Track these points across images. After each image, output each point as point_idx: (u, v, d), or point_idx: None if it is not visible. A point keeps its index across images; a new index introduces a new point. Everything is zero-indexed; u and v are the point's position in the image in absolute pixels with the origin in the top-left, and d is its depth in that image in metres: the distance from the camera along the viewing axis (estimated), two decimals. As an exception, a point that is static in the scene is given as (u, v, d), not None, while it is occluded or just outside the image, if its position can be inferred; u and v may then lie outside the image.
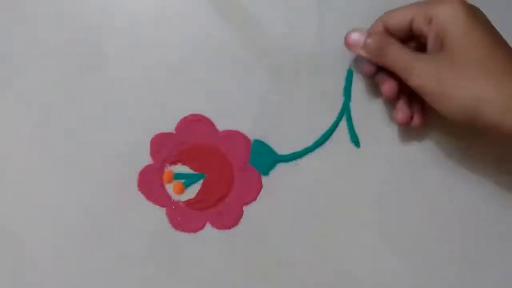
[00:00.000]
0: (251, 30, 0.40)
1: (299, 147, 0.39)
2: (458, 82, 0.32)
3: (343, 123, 0.39)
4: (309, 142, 0.39)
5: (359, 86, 0.39)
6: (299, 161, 0.39)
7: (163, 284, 0.39)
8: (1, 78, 0.40)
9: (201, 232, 0.39)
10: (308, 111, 0.39)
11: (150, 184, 0.39)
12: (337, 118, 0.39)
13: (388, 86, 0.36)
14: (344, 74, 0.39)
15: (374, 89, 0.39)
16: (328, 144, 0.39)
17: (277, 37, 0.40)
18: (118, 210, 0.39)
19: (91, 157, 0.39)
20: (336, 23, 0.40)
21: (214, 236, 0.39)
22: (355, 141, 0.39)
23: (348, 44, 0.37)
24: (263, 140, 0.39)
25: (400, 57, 0.34)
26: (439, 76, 0.33)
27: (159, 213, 0.39)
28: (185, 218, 0.39)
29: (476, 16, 0.33)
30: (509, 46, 0.34)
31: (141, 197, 0.39)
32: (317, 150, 0.39)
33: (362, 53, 0.36)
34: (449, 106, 0.33)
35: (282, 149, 0.39)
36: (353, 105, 0.39)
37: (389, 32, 0.36)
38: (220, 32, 0.40)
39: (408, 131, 0.39)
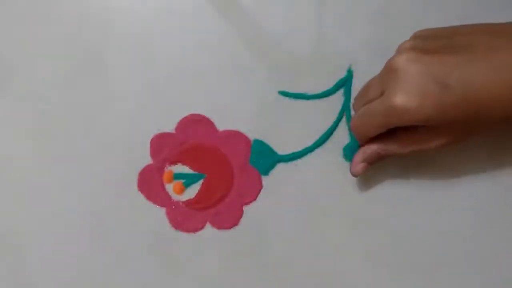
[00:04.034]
0: (251, 30, 0.40)
1: (299, 147, 0.39)
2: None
3: (343, 123, 0.39)
4: (309, 142, 0.39)
5: (359, 86, 0.39)
6: (299, 161, 0.39)
7: (163, 284, 0.39)
8: (1, 78, 0.40)
9: (201, 232, 0.39)
10: (308, 111, 0.39)
11: (150, 184, 0.39)
12: (337, 118, 0.39)
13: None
14: (344, 74, 0.39)
15: (374, 89, 0.39)
16: (328, 144, 0.39)
17: (277, 37, 0.40)
18: (118, 210, 0.39)
19: (91, 157, 0.39)
20: (336, 23, 0.40)
21: (214, 236, 0.39)
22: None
23: (361, 173, 0.37)
24: (263, 140, 0.39)
25: (405, 145, 0.35)
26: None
27: (159, 213, 0.39)
28: (185, 218, 0.39)
29: (428, 88, 0.32)
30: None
31: (141, 197, 0.39)
32: (317, 150, 0.39)
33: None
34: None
35: (282, 149, 0.39)
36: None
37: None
38: (220, 32, 0.40)
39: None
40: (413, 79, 0.32)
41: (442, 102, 0.32)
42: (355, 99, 0.39)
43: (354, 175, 0.38)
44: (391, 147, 0.36)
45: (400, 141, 0.35)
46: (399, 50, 0.34)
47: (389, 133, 0.35)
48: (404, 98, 0.32)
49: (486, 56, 0.31)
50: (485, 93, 0.31)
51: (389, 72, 0.33)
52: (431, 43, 0.33)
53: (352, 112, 0.39)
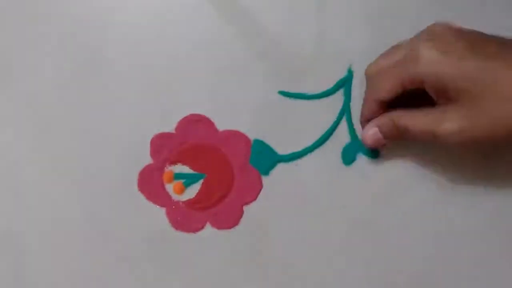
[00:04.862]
0: (251, 30, 0.40)
1: (299, 147, 0.39)
2: (495, 110, 0.31)
3: (343, 123, 0.39)
4: (309, 142, 0.39)
5: (359, 86, 0.39)
6: (299, 161, 0.39)
7: (163, 284, 0.39)
8: (1, 78, 0.40)
9: (201, 232, 0.39)
10: (308, 111, 0.39)
11: (150, 184, 0.39)
12: (337, 118, 0.39)
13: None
14: (344, 74, 0.39)
15: (374, 89, 0.39)
16: (328, 144, 0.39)
17: (277, 37, 0.40)
18: (118, 210, 0.39)
19: (91, 157, 0.39)
20: (336, 23, 0.40)
21: (214, 236, 0.39)
22: (355, 141, 0.39)
23: (370, 144, 0.37)
24: (263, 140, 0.39)
25: (417, 123, 0.34)
26: (472, 115, 0.31)
27: (159, 213, 0.39)
28: (185, 218, 0.39)
29: (455, 47, 0.32)
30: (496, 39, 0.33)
31: (141, 197, 0.39)
32: (317, 150, 0.39)
33: (385, 141, 0.36)
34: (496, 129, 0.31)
35: (282, 149, 0.39)
36: (353, 105, 0.39)
37: (387, 105, 0.35)
38: (220, 32, 0.40)
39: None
40: (443, 37, 0.32)
41: (462, 61, 0.31)
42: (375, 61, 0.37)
43: (365, 142, 0.36)
44: (405, 119, 0.34)
45: (415, 116, 0.34)
46: (440, 22, 0.34)
47: (405, 109, 0.35)
48: (427, 47, 0.32)
49: None
50: (506, 79, 0.30)
51: (422, 31, 0.33)
52: (472, 30, 0.33)
53: (353, 112, 0.39)
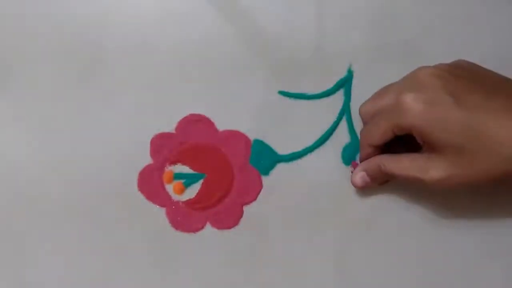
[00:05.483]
0: (251, 30, 0.40)
1: (299, 147, 0.39)
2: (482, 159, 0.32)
3: (343, 123, 0.39)
4: (309, 142, 0.39)
5: (359, 86, 0.39)
6: (299, 161, 0.39)
7: (163, 284, 0.39)
8: (1, 78, 0.40)
9: (201, 232, 0.39)
10: (308, 111, 0.39)
11: (150, 184, 0.39)
12: (337, 118, 0.39)
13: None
14: (344, 74, 0.39)
15: (374, 89, 0.39)
16: (328, 144, 0.39)
17: (277, 37, 0.40)
18: (118, 210, 0.39)
19: (91, 157, 0.39)
20: (336, 23, 0.40)
21: (214, 236, 0.39)
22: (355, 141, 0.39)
23: (359, 187, 0.38)
24: (263, 140, 0.39)
25: (403, 169, 0.35)
26: (457, 162, 0.32)
27: (159, 213, 0.39)
28: (185, 218, 0.39)
29: (439, 98, 0.32)
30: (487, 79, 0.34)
31: (141, 197, 0.39)
32: (317, 150, 0.39)
33: (373, 184, 0.37)
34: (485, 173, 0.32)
35: (282, 149, 0.39)
36: (353, 105, 0.39)
37: (380, 148, 0.36)
38: (220, 32, 0.40)
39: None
40: (429, 87, 0.33)
41: (448, 114, 0.32)
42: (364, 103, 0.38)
43: (354, 185, 0.38)
44: (391, 165, 0.35)
45: (401, 162, 0.35)
46: (425, 66, 0.34)
47: (392, 155, 0.36)
48: (413, 98, 0.32)
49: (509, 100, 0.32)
50: (493, 128, 0.31)
51: (408, 78, 0.34)
52: (459, 70, 0.34)
53: (353, 112, 0.39)
